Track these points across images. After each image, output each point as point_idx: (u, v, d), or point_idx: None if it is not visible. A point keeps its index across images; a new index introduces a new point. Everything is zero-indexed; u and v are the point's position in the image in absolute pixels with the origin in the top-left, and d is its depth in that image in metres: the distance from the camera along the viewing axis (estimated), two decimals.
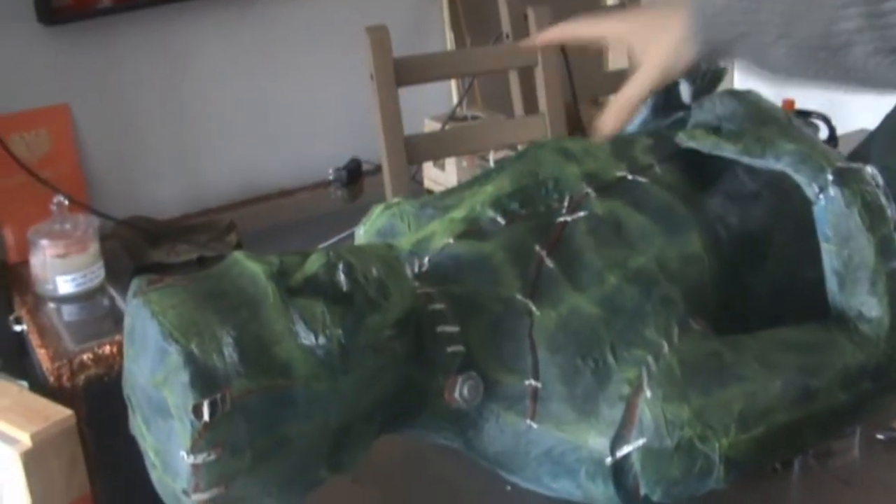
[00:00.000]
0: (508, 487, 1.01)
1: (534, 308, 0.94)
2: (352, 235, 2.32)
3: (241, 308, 0.82)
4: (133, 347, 0.84)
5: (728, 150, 1.06)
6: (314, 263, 0.85)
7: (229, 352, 0.79)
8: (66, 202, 2.15)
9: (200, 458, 0.78)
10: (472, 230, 1.00)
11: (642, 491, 0.90)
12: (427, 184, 2.48)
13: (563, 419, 0.91)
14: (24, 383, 1.98)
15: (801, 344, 0.96)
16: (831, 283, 1.00)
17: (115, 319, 2.09)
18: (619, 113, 0.99)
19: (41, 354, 1.98)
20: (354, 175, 2.63)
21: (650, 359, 0.91)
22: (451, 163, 2.39)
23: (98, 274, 2.18)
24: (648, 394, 0.89)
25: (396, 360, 0.88)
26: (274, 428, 0.81)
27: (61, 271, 2.12)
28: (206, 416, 0.77)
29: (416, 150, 1.79)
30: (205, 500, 0.81)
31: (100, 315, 2.12)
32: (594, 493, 0.92)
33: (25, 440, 1.78)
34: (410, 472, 1.08)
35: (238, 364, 0.79)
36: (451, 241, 0.99)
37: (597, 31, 1.04)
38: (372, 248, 0.93)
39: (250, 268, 0.84)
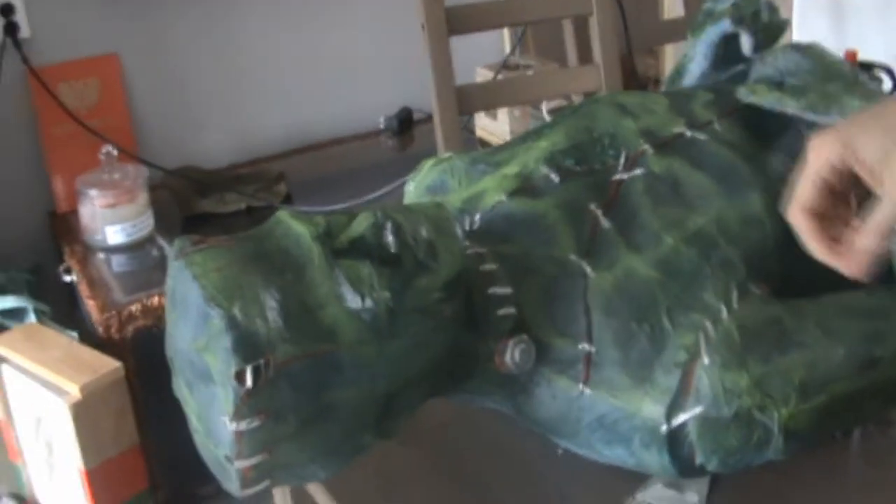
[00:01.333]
0: (560, 451, 0.99)
1: (589, 270, 0.91)
2: (402, 186, 2.31)
3: (286, 271, 0.79)
4: (175, 311, 0.82)
5: (791, 106, 1.02)
6: (361, 224, 0.82)
7: (273, 316, 0.77)
8: (115, 152, 2.14)
9: (243, 425, 0.76)
10: (525, 187, 0.97)
11: (698, 460, 0.87)
12: (479, 133, 2.45)
13: (616, 385, 0.88)
14: (75, 334, 1.99)
15: (865, 310, 0.92)
16: None
17: (164, 270, 2.06)
18: (869, 248, 0.81)
19: (90, 305, 1.98)
20: (405, 124, 2.61)
21: (708, 324, 0.88)
22: (503, 112, 2.35)
23: (147, 224, 2.17)
24: (706, 360, 0.86)
25: (446, 324, 0.85)
26: (319, 394, 0.78)
27: (110, 221, 2.12)
28: (249, 383, 0.75)
29: (467, 100, 1.75)
30: (248, 466, 0.79)
31: (149, 266, 2.12)
32: (648, 461, 0.89)
33: (75, 392, 1.78)
34: (459, 435, 1.05)
35: (282, 329, 0.76)
36: (503, 198, 0.96)
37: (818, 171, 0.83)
38: (421, 208, 0.89)
39: (295, 228, 0.82)
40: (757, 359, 0.86)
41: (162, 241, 2.17)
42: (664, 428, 0.86)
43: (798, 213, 0.84)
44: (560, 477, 0.99)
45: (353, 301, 0.79)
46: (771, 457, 0.87)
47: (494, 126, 2.39)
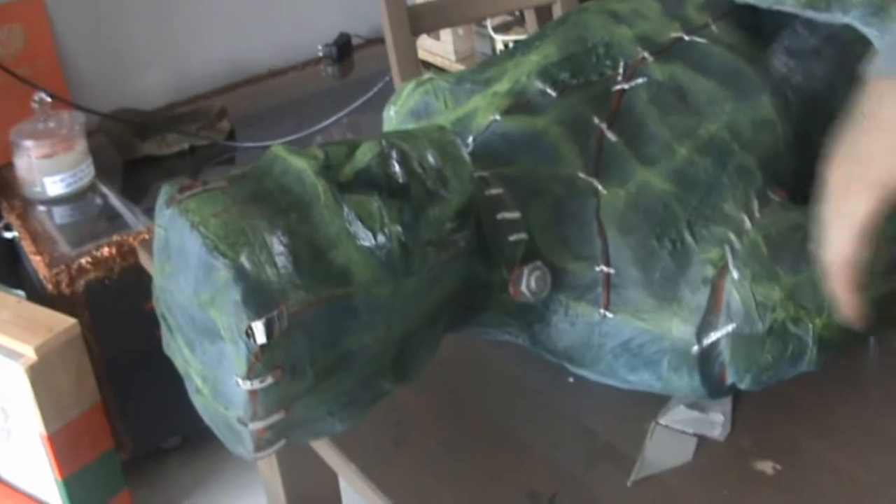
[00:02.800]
0: (571, 379, 0.94)
1: (599, 187, 0.86)
2: (348, 114, 2.23)
3: (290, 210, 0.73)
4: (170, 263, 0.75)
5: (789, 5, 0.97)
6: (365, 154, 0.76)
7: (283, 262, 0.70)
8: (49, 99, 2.04)
9: (258, 384, 0.70)
10: (520, 104, 0.91)
11: (729, 379, 0.83)
12: (422, 55, 2.37)
13: (641, 307, 0.83)
14: (21, 293, 1.90)
15: None
16: None
17: (109, 218, 2.01)
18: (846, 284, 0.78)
19: (36, 262, 1.89)
20: (345, 50, 2.53)
21: (732, 236, 0.83)
22: (446, 32, 2.28)
23: (88, 172, 2.08)
24: (735, 275, 0.81)
25: (459, 256, 0.79)
26: (336, 342, 0.73)
27: (49, 172, 2.03)
28: (262, 338, 0.69)
29: (417, 21, 1.68)
30: (263, 427, 0.73)
31: (93, 215, 2.04)
32: (677, 384, 0.85)
33: (30, 353, 1.70)
34: (463, 372, 1.00)
35: (293, 275, 0.70)
36: (497, 117, 0.91)
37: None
38: (423, 132, 0.83)
39: (295, 163, 0.75)
40: (787, 269, 0.81)
41: (105, 189, 2.08)
42: (695, 349, 0.82)
43: (844, 271, 0.77)
44: (576, 406, 0.94)
45: (366, 239, 0.73)
46: (804, 369, 0.83)
47: (437, 46, 2.32)
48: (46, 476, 1.81)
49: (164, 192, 0.75)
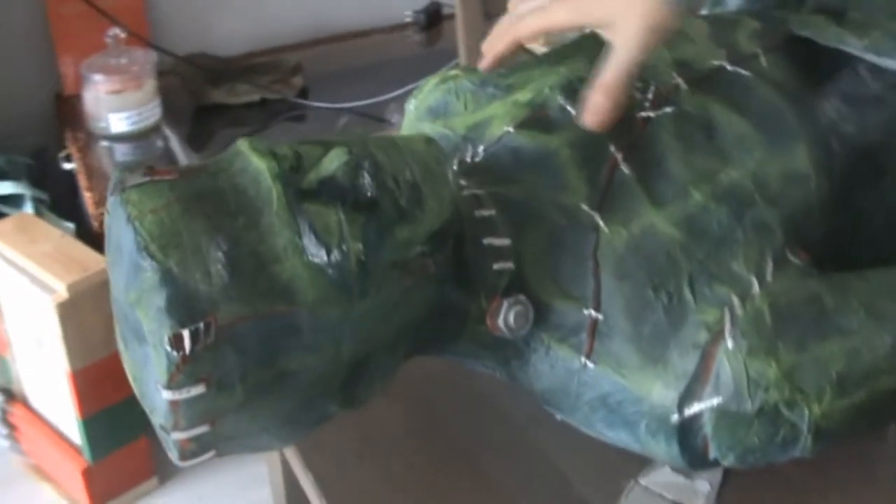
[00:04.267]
0: (559, 416, 0.88)
1: (601, 222, 0.79)
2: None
3: (238, 214, 0.67)
4: (110, 254, 0.70)
5: (852, 45, 0.88)
6: (332, 161, 0.70)
7: (217, 269, 0.65)
8: (123, 34, 2.02)
9: (179, 394, 0.65)
10: (536, 117, 0.85)
11: (712, 454, 0.76)
12: None
13: (624, 362, 0.76)
14: (71, 226, 1.89)
15: None
16: None
17: (169, 163, 1.97)
18: (604, 106, 0.80)
19: (87, 197, 1.88)
20: (434, 19, 2.46)
21: (735, 299, 0.75)
22: None
23: (154, 113, 2.06)
24: (730, 344, 0.74)
25: (429, 281, 0.73)
26: (272, 360, 0.67)
27: (115, 108, 2.02)
28: (186, 348, 0.63)
29: (493, 2, 1.60)
30: (186, 438, 0.68)
31: (153, 157, 2.02)
32: (654, 450, 0.78)
33: (62, 290, 1.69)
34: (444, 387, 0.94)
35: (228, 285, 0.65)
36: (510, 129, 0.84)
37: (550, 24, 0.85)
38: (407, 143, 0.76)
39: (255, 163, 0.69)
40: (790, 345, 0.73)
41: (169, 132, 2.06)
42: (675, 417, 0.75)
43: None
44: (556, 447, 0.88)
45: (317, 254, 0.67)
46: (796, 455, 0.75)
47: None
48: (69, 413, 1.80)
49: (114, 175, 0.70)
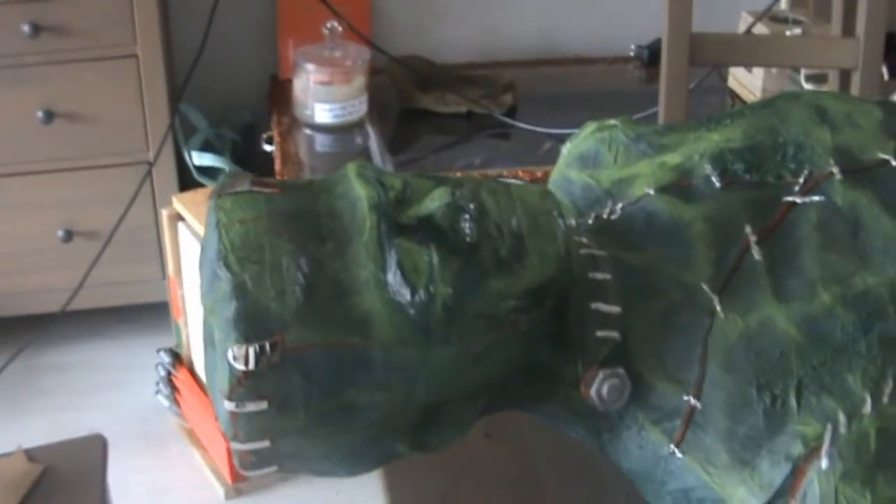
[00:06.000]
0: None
1: (718, 307, 0.74)
2: (643, 119, 2.13)
3: (328, 239, 0.66)
4: (201, 256, 0.70)
5: None
6: (435, 200, 0.68)
7: (294, 290, 0.64)
8: (340, 28, 2.04)
9: (238, 407, 0.64)
10: (681, 184, 0.81)
11: None
12: (731, 83, 2.22)
13: (712, 459, 0.71)
14: None
15: None
16: None
17: (368, 159, 1.99)
18: None
19: None
20: (656, 56, 2.40)
21: (842, 416, 0.69)
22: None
23: (359, 109, 2.08)
24: (824, 463, 0.68)
25: (519, 338, 0.70)
26: (338, 391, 0.66)
27: (321, 99, 2.03)
28: (249, 364, 0.62)
29: (700, 51, 1.55)
30: (244, 450, 0.67)
31: (352, 153, 2.03)
32: None
33: None
34: (550, 435, 0.90)
35: (302, 309, 0.64)
36: (651, 191, 0.80)
37: None
38: (522, 192, 0.73)
39: (356, 189, 0.68)
40: (889, 478, 0.67)
41: (371, 130, 2.07)
42: None
43: None
44: None
45: (400, 292, 0.65)
46: None
47: (748, 79, 2.16)
48: None
49: (220, 179, 0.70)
